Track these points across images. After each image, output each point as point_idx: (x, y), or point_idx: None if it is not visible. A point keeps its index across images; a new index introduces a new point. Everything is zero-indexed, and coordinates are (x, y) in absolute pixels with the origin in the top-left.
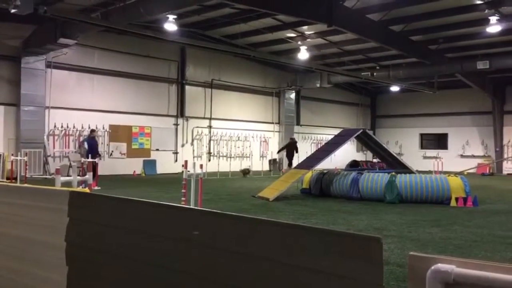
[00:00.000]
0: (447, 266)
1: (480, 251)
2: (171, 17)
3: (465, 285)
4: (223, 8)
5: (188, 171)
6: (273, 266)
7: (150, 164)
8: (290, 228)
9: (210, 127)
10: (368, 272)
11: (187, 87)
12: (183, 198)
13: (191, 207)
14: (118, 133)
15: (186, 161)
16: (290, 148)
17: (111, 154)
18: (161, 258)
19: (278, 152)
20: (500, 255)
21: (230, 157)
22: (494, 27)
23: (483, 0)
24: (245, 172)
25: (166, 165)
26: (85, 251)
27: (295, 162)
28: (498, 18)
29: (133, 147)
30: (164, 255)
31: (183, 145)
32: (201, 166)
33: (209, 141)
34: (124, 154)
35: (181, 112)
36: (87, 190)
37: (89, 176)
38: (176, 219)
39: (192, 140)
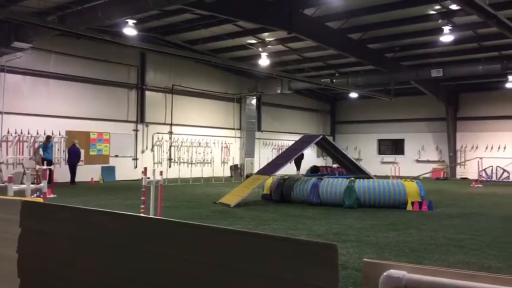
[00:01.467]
0: (399, 272)
1: (434, 254)
2: (131, 21)
3: None
4: (183, 13)
5: (148, 177)
6: (228, 274)
7: (108, 171)
8: (245, 235)
9: (170, 133)
10: (324, 278)
11: (147, 93)
12: (142, 206)
13: (144, 215)
14: (75, 139)
15: (145, 168)
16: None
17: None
18: (116, 268)
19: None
20: (453, 258)
21: (191, 163)
22: (447, 36)
23: (436, 10)
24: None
25: (125, 171)
26: (38, 262)
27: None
28: (450, 28)
29: (91, 153)
30: (118, 265)
31: (143, 151)
32: (161, 172)
33: (170, 147)
34: (81, 160)
35: (141, 118)
36: (40, 199)
37: (43, 184)
38: (131, 228)
39: (152, 146)
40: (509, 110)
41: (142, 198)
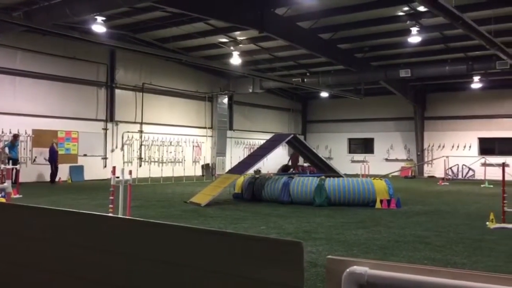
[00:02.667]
0: (361, 268)
1: (401, 251)
2: (100, 18)
3: (378, 285)
4: (154, 11)
5: (117, 177)
6: (193, 272)
7: (77, 170)
8: (211, 234)
9: (141, 131)
10: (290, 276)
11: (117, 91)
12: (110, 205)
13: (109, 215)
14: (42, 138)
15: (114, 167)
16: (294, 160)
17: (34, 160)
18: (82, 269)
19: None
20: (420, 254)
21: (162, 163)
22: (415, 37)
23: (405, 12)
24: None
25: (94, 171)
26: (0, 264)
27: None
28: (418, 29)
29: (59, 152)
30: (85, 265)
31: (112, 150)
32: (130, 172)
33: (140, 146)
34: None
35: (110, 117)
36: (2, 199)
37: (8, 184)
38: (96, 228)
39: (122, 145)
40: (474, 110)
41: (111, 197)
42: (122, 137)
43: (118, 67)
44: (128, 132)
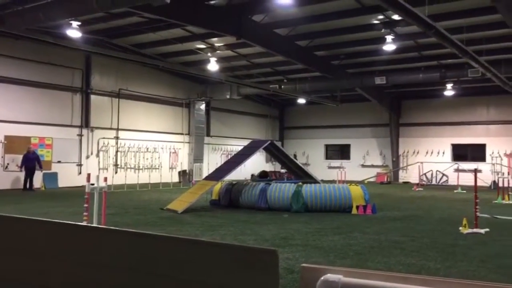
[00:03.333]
0: (335, 276)
1: (377, 256)
2: (75, 23)
3: None
4: (131, 16)
5: (92, 184)
6: (169, 282)
7: (51, 177)
8: (186, 242)
9: (117, 138)
10: (265, 284)
11: (92, 97)
12: (85, 213)
13: (79, 223)
14: (14, 144)
15: (89, 174)
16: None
17: (6, 167)
18: (52, 280)
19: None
20: (395, 260)
21: (138, 169)
22: (389, 45)
23: (380, 20)
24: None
25: (69, 178)
26: None
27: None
28: (393, 37)
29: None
30: (54, 276)
31: (88, 157)
32: (105, 178)
33: (116, 152)
34: (18, 166)
35: (85, 123)
36: None
37: None
38: (69, 238)
39: (98, 152)
40: (447, 117)
41: (85, 205)
42: (98, 144)
43: (93, 73)
44: (103, 138)
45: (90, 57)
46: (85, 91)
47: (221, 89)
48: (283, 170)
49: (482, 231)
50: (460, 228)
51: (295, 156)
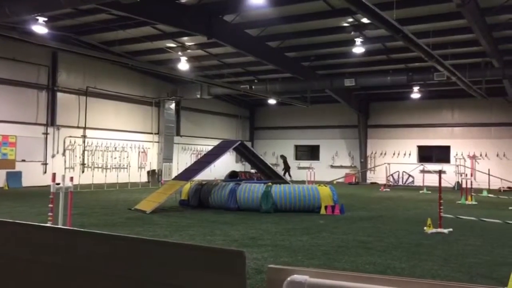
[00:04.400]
0: (301, 277)
1: (344, 256)
2: (41, 19)
3: None
4: (99, 13)
5: (58, 183)
6: (133, 283)
7: (14, 177)
8: (152, 244)
9: (84, 136)
10: (233, 285)
11: (58, 94)
12: (50, 214)
13: (41, 224)
14: None
15: (54, 174)
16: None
17: None
18: (13, 283)
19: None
20: (362, 259)
21: (106, 169)
22: (358, 48)
23: (349, 23)
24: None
25: (33, 177)
26: None
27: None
28: (362, 40)
29: None
30: (15, 277)
31: (53, 156)
32: (72, 178)
33: (83, 151)
34: None
35: (51, 121)
36: None
37: None
38: (31, 239)
39: (64, 151)
40: (414, 119)
41: (50, 205)
42: (64, 142)
43: (60, 70)
44: (70, 137)
45: (57, 54)
46: (51, 89)
47: (192, 88)
48: (253, 170)
49: (446, 231)
50: (425, 228)
51: (281, 157)
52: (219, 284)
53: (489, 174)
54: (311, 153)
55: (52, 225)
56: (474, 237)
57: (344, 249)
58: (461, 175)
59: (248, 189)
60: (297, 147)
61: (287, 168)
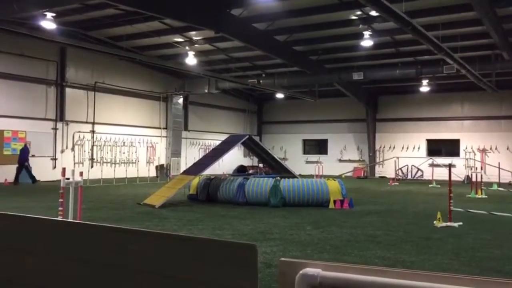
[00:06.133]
0: (314, 270)
1: (353, 250)
2: (49, 14)
3: (330, 286)
4: (107, 8)
5: (67, 178)
6: (145, 277)
7: (24, 172)
8: (163, 237)
9: (93, 132)
10: (244, 278)
11: (67, 90)
12: (60, 208)
13: (56, 218)
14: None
15: (64, 168)
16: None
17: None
18: (27, 277)
19: None
20: (371, 253)
21: (115, 163)
22: (367, 41)
23: (357, 16)
24: None
25: (43, 172)
26: None
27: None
28: (370, 33)
29: (5, 153)
30: (30, 273)
31: (62, 151)
32: (81, 173)
33: (92, 146)
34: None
35: (60, 116)
36: None
37: None
38: (41, 232)
39: (73, 146)
40: (423, 112)
41: (60, 200)
42: (73, 137)
43: (68, 65)
44: (79, 132)
45: (65, 49)
46: (60, 84)
47: (199, 83)
48: (261, 165)
49: (456, 224)
50: (435, 222)
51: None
52: (231, 277)
53: (499, 168)
54: (319, 147)
55: (65, 219)
56: (484, 231)
57: (353, 243)
58: (471, 169)
59: (256, 184)
60: (305, 142)
61: None
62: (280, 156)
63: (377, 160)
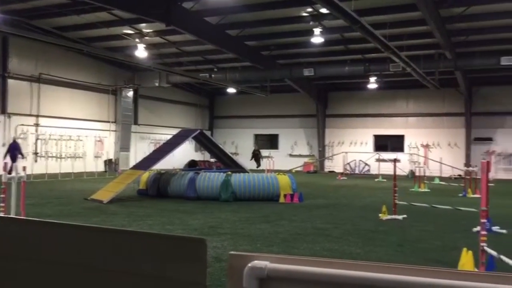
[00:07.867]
0: (262, 263)
1: (302, 243)
2: None
3: (278, 278)
4: None
5: (9, 173)
6: (92, 273)
7: None
8: (109, 232)
9: (37, 125)
10: (193, 273)
11: (9, 81)
12: (2, 204)
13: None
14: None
15: (5, 163)
16: (256, 156)
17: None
18: None
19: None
20: (319, 246)
21: (61, 158)
22: (318, 38)
23: (308, 13)
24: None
25: None
26: None
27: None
28: (321, 30)
29: None
30: None
31: (4, 145)
32: (24, 168)
33: (36, 140)
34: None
35: (2, 109)
36: None
37: None
38: None
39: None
40: (370, 109)
41: (2, 195)
42: (16, 131)
43: (11, 55)
44: (22, 125)
45: (7, 39)
46: (2, 75)
47: (150, 76)
48: (212, 159)
49: (400, 217)
50: (380, 214)
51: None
52: (180, 272)
53: (441, 163)
54: (270, 142)
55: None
56: (427, 223)
57: (302, 236)
58: (415, 164)
59: (207, 178)
60: (256, 136)
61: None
62: (232, 151)
63: (327, 155)
